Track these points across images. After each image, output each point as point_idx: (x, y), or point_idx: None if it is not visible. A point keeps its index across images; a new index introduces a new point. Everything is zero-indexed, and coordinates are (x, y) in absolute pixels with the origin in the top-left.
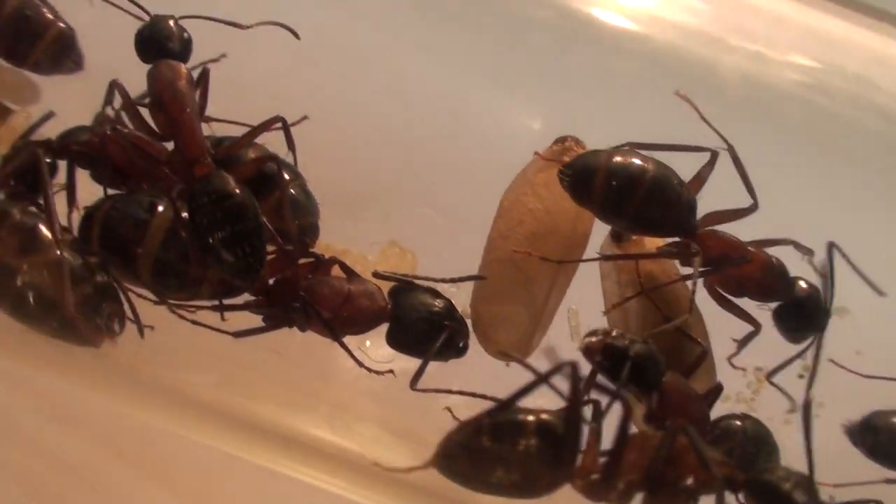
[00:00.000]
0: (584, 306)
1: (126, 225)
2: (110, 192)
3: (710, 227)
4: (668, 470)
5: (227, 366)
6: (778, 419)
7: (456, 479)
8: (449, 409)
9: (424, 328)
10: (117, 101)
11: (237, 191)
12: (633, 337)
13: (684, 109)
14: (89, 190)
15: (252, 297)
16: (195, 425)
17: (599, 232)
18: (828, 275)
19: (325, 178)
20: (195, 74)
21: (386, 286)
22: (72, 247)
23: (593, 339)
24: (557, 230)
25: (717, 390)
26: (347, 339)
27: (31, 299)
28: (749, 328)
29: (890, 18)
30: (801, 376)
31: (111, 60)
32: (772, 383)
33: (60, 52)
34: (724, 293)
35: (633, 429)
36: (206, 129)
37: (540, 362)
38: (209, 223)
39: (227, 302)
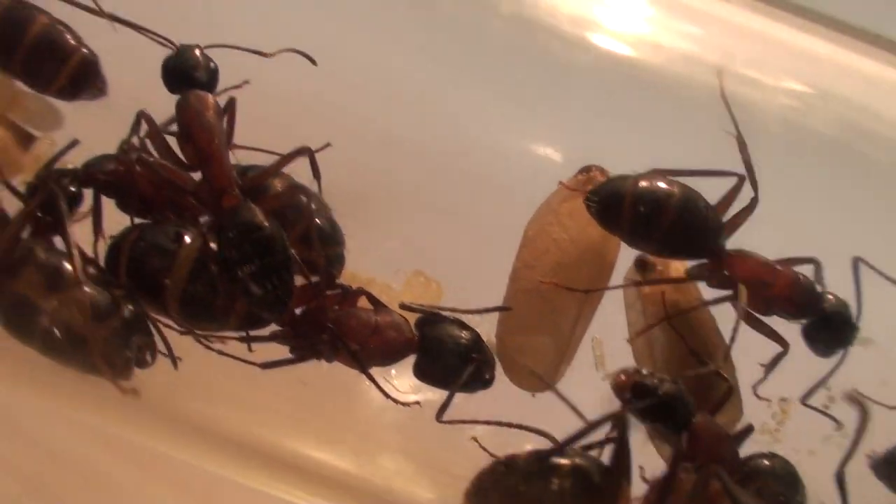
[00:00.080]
0: (608, 335)
1: (153, 255)
2: (137, 221)
3: (737, 249)
4: None
5: (252, 396)
6: (803, 450)
7: None
8: (475, 439)
9: (452, 361)
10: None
11: (266, 224)
12: (662, 376)
13: (695, 135)
14: (115, 219)
15: (279, 328)
16: (217, 457)
17: (623, 261)
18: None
19: (347, 201)
20: (221, 101)
21: (412, 316)
22: (98, 281)
23: (623, 377)
24: (583, 260)
25: (747, 430)
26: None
27: (61, 336)
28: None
29: (884, 43)
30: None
31: (133, 85)
32: (807, 405)
33: (84, 78)
34: (753, 312)
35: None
36: (232, 157)
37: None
38: (239, 256)
39: (253, 333)
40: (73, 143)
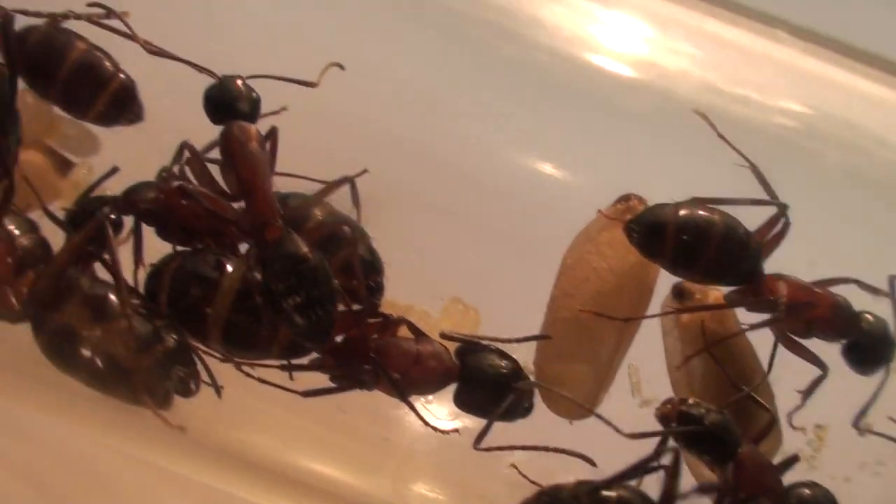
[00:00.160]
0: (644, 361)
1: (195, 284)
2: (179, 248)
3: (775, 273)
4: None
5: (288, 423)
6: (839, 477)
7: None
8: (514, 466)
9: (492, 390)
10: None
11: (311, 255)
12: (709, 406)
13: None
14: (154, 246)
15: (319, 356)
16: (251, 483)
17: (661, 287)
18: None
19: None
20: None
21: (451, 344)
22: (141, 311)
23: (668, 406)
24: (622, 288)
25: (791, 460)
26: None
27: (103, 366)
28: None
29: (881, 63)
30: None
31: (169, 110)
32: (859, 429)
33: (122, 104)
34: (792, 336)
35: None
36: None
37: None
38: (284, 288)
39: (294, 361)
40: (113, 171)
